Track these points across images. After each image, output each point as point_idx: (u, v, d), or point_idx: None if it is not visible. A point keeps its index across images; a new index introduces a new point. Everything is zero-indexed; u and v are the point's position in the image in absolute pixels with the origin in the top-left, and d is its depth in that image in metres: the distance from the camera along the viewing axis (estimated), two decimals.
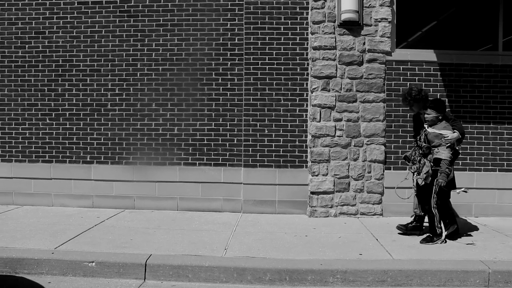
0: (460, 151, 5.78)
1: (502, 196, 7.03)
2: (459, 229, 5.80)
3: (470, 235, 5.84)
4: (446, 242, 5.43)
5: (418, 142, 5.59)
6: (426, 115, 5.52)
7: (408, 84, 6.93)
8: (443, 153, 5.29)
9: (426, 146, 5.45)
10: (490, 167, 7.05)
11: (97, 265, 4.62)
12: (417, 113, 5.93)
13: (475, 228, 6.26)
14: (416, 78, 6.97)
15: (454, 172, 5.56)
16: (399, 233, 5.87)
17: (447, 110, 5.84)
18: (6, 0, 7.37)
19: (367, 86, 6.88)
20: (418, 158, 5.53)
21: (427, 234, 5.54)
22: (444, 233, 5.43)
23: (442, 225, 5.43)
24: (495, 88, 7.01)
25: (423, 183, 5.40)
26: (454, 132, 5.36)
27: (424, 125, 5.55)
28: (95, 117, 7.34)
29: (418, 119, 5.90)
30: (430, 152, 5.41)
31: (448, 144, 5.31)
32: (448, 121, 5.54)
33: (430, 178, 5.36)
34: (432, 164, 5.35)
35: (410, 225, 5.92)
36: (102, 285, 4.40)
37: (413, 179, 5.72)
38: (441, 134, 5.34)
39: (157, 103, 7.25)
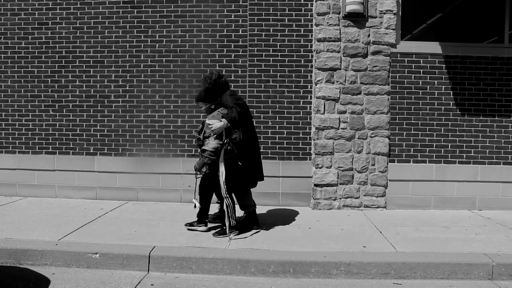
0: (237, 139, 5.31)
1: (506, 189, 7.01)
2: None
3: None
4: (237, 233, 5.36)
5: (195, 133, 5.46)
6: (200, 104, 5.38)
7: (412, 77, 6.91)
8: (210, 144, 5.10)
9: (197, 138, 5.31)
10: (494, 160, 7.02)
11: (101, 256, 4.63)
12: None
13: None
14: (421, 70, 6.93)
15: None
16: (207, 221, 5.70)
17: (236, 97, 5.51)
18: None
19: (371, 78, 6.84)
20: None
21: (222, 227, 5.46)
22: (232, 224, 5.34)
23: (235, 216, 5.33)
24: (501, 81, 6.97)
25: (197, 173, 5.28)
26: (221, 121, 5.06)
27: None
28: (99, 108, 7.33)
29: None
30: (203, 143, 5.22)
31: (215, 135, 5.08)
32: (228, 109, 5.24)
33: (205, 169, 5.20)
34: (202, 154, 5.19)
35: (214, 214, 5.86)
36: (105, 276, 4.41)
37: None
38: (208, 124, 5.12)
39: (161, 95, 7.24)
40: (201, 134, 5.28)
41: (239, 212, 5.84)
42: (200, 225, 5.55)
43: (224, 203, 5.30)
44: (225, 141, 5.17)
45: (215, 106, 5.34)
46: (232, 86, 7.12)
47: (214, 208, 5.89)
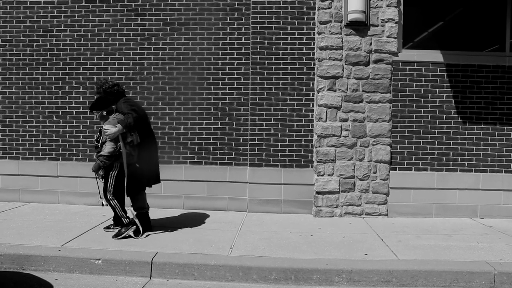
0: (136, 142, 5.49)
1: (508, 197, 7.01)
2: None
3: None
4: (140, 231, 5.53)
5: (93, 140, 5.63)
6: (94, 112, 5.56)
7: (414, 85, 6.95)
8: (106, 148, 5.26)
9: (95, 145, 5.50)
10: (496, 169, 7.04)
11: (104, 262, 4.64)
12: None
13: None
14: (423, 78, 6.96)
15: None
16: (105, 228, 5.87)
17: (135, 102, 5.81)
18: None
19: (373, 86, 6.88)
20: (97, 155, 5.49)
21: (118, 229, 5.61)
22: (136, 226, 5.54)
23: (126, 214, 5.52)
24: (502, 89, 6.99)
25: (99, 177, 5.48)
26: (116, 126, 5.22)
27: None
28: None
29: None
30: (101, 149, 5.34)
31: (110, 139, 5.24)
32: (124, 115, 5.40)
33: (101, 172, 5.39)
34: (98, 158, 5.32)
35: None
36: (108, 282, 4.43)
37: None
38: (105, 129, 5.27)
39: (164, 102, 7.27)
40: (99, 141, 5.43)
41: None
42: (117, 227, 5.76)
43: (111, 204, 5.46)
44: (118, 145, 5.32)
45: (107, 113, 5.49)
46: (235, 93, 7.17)
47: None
